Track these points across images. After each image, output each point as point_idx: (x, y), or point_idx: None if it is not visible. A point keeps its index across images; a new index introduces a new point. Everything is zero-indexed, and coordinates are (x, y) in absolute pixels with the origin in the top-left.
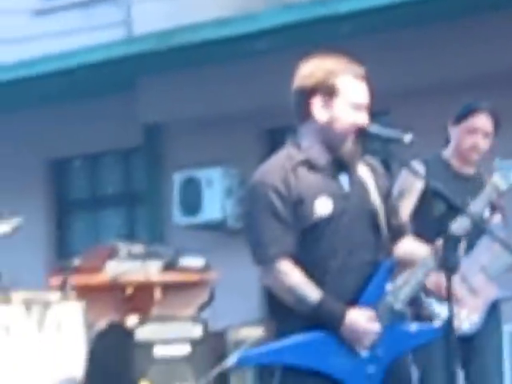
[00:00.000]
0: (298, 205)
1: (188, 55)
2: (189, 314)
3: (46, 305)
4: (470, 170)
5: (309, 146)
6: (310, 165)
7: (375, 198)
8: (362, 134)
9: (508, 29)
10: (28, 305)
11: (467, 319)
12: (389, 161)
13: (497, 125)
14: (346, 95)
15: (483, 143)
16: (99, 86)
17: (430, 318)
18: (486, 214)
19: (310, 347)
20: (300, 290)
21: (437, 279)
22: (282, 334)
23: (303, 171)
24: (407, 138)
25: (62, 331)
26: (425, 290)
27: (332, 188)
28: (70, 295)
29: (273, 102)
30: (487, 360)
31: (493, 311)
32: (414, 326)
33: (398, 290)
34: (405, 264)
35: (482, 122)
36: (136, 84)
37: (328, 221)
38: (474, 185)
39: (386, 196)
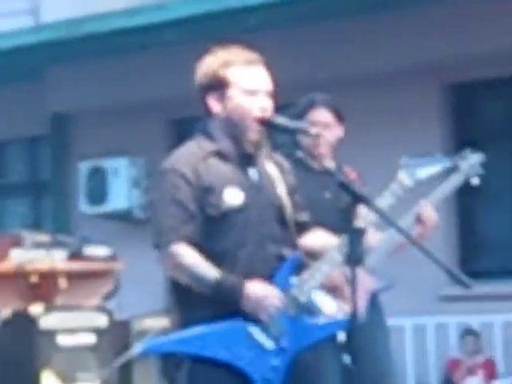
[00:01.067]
0: (208, 193)
1: (97, 44)
2: (94, 303)
3: None
4: (327, 164)
5: (219, 138)
6: (221, 156)
7: (282, 192)
8: (267, 124)
9: (408, 27)
10: None
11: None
12: (293, 152)
13: (338, 115)
14: (238, 84)
15: (325, 135)
16: (6, 73)
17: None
18: (409, 223)
19: (215, 337)
20: (198, 270)
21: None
22: (187, 324)
23: (214, 161)
24: (314, 129)
25: None
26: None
27: (242, 179)
28: None
29: (180, 92)
30: (377, 351)
31: (374, 303)
32: (320, 319)
33: (304, 283)
34: (313, 255)
35: (320, 114)
36: (44, 73)
37: (238, 211)
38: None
39: (292, 192)
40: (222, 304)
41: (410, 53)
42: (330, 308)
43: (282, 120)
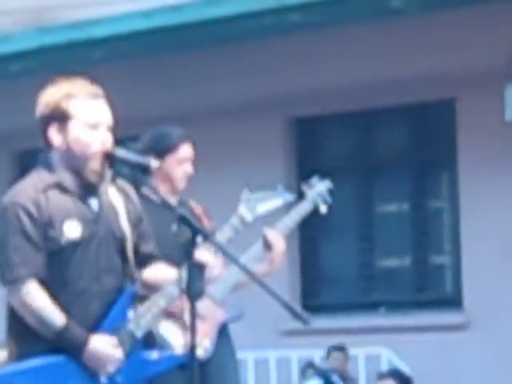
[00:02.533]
0: (48, 227)
1: None
2: None
3: None
4: (171, 198)
5: (59, 170)
6: (61, 188)
7: (124, 222)
8: (108, 157)
9: (254, 61)
10: None
11: (200, 345)
12: (138, 185)
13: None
14: (79, 117)
15: (191, 169)
16: None
17: (161, 347)
18: (260, 251)
19: (47, 371)
20: (44, 313)
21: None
22: (23, 357)
23: (54, 194)
24: (154, 163)
25: None
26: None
27: (82, 212)
28: None
29: (23, 124)
30: (228, 382)
31: (223, 334)
32: (154, 354)
33: (140, 317)
34: (154, 289)
35: (190, 149)
36: None
37: (76, 245)
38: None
39: (137, 221)
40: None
41: (256, 87)
42: (177, 340)
43: (123, 153)
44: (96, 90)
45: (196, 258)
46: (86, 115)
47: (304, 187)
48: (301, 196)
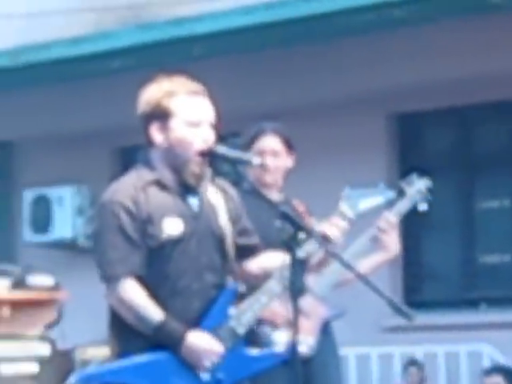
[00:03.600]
0: (147, 224)
1: (40, 73)
2: (37, 332)
3: None
4: (275, 194)
5: (159, 168)
6: (161, 185)
7: (224, 220)
8: (209, 155)
9: (353, 57)
10: None
11: (303, 342)
12: (239, 181)
13: (287, 144)
14: (180, 115)
15: (274, 163)
16: None
17: (266, 345)
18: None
19: (150, 368)
20: (142, 310)
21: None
22: (124, 354)
23: (153, 191)
24: (256, 159)
25: None
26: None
27: (181, 209)
28: None
29: (125, 120)
30: (330, 380)
31: (325, 331)
32: (256, 351)
33: (242, 314)
34: (260, 278)
35: (270, 142)
36: None
37: (176, 241)
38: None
39: (237, 218)
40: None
41: (357, 82)
42: (281, 337)
43: (223, 150)
44: (196, 86)
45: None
46: (187, 113)
47: (403, 184)
48: (400, 193)
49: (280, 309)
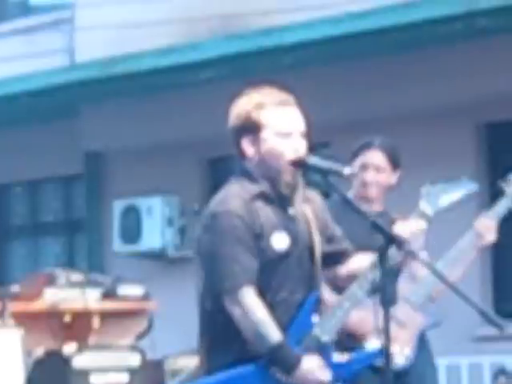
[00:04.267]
0: (258, 238)
1: (131, 83)
2: (127, 342)
3: None
4: (375, 208)
5: (259, 180)
6: (265, 198)
7: (314, 230)
8: (300, 165)
9: (443, 65)
10: None
11: (400, 353)
12: (329, 193)
13: (393, 161)
14: (270, 127)
15: (375, 178)
16: (41, 112)
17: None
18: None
19: (236, 381)
20: (262, 327)
21: (358, 318)
22: (213, 369)
23: (259, 204)
24: (347, 170)
25: (0, 358)
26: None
27: (286, 223)
28: (8, 322)
29: (214, 131)
30: None
31: (421, 341)
32: (344, 357)
33: (325, 321)
34: (350, 280)
35: (374, 157)
36: (78, 112)
37: (281, 256)
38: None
39: (324, 227)
40: (249, 349)
41: (445, 92)
42: (373, 345)
43: (315, 160)
44: (286, 97)
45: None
46: (278, 124)
47: (502, 184)
48: (499, 193)
49: (369, 317)
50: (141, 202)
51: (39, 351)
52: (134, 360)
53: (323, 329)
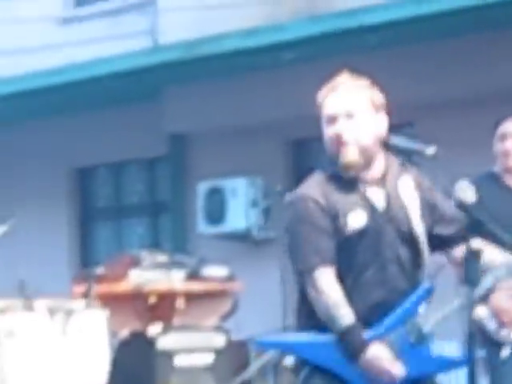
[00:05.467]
0: (335, 218)
1: (214, 65)
2: (211, 323)
3: (69, 313)
4: None
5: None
6: (339, 180)
7: (415, 211)
8: (383, 146)
9: None
10: (51, 312)
11: None
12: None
13: None
14: (323, 114)
15: None
16: (125, 94)
17: (500, 344)
18: None
19: (330, 349)
20: (333, 310)
21: (497, 304)
22: (303, 329)
23: (335, 186)
24: (430, 150)
25: (86, 339)
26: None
27: (365, 202)
28: (94, 303)
29: (298, 112)
30: None
31: None
32: (437, 352)
33: (431, 313)
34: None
35: (509, 126)
36: (161, 93)
37: (360, 234)
38: None
39: (431, 209)
40: None
41: None
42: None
43: (397, 140)
44: (337, 81)
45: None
46: (325, 109)
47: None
48: None
49: (508, 306)
50: (225, 183)
51: (124, 332)
52: (219, 341)
53: (427, 320)
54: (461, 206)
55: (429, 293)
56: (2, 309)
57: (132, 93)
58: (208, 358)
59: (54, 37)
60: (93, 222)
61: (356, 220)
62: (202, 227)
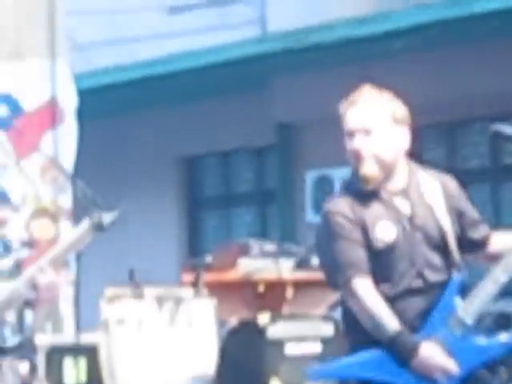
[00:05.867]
0: (365, 231)
1: (323, 54)
2: (320, 312)
3: (178, 301)
4: None
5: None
6: (364, 194)
7: (442, 216)
8: (494, 136)
9: None
10: (160, 301)
11: None
12: None
13: None
14: (344, 128)
15: None
16: (233, 84)
17: None
18: None
19: (382, 362)
20: (379, 316)
21: None
22: (355, 347)
23: (362, 199)
24: None
25: (194, 327)
26: None
27: (392, 214)
28: (202, 292)
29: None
30: None
31: None
32: (484, 340)
33: (469, 304)
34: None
35: None
36: (270, 82)
37: (392, 245)
38: None
39: (458, 213)
40: None
41: None
42: None
43: (509, 129)
44: (356, 97)
45: None
46: (345, 125)
47: None
48: None
49: None
50: (333, 172)
51: (233, 321)
52: (328, 330)
53: (467, 311)
54: None
55: (461, 284)
56: (113, 297)
57: (241, 82)
58: (317, 347)
59: (163, 26)
60: (201, 211)
61: (385, 232)
62: (311, 216)
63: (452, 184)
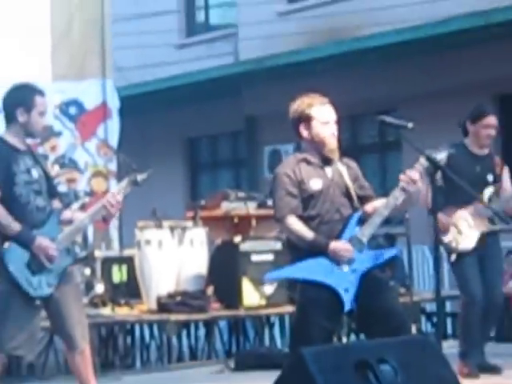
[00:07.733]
0: (301, 184)
1: (276, 73)
2: (273, 234)
3: (184, 229)
4: (484, 152)
5: (306, 151)
6: (307, 161)
7: (348, 180)
8: (380, 123)
9: None
10: (172, 229)
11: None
12: (401, 141)
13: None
14: (317, 119)
15: (492, 133)
16: (218, 93)
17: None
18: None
19: (313, 266)
20: (302, 233)
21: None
22: (296, 261)
23: (303, 165)
24: (410, 125)
25: (194, 246)
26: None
27: (321, 174)
28: (199, 223)
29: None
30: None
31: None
32: (374, 252)
33: (365, 229)
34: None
35: (492, 119)
36: (241, 91)
37: (319, 192)
38: (486, 161)
39: (355, 179)
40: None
41: None
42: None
43: (389, 119)
44: (325, 100)
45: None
46: (322, 117)
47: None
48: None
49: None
50: (281, 147)
51: (218, 241)
52: (278, 245)
53: (363, 233)
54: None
55: (360, 218)
56: (143, 226)
57: (222, 91)
58: (271, 257)
59: (172, 57)
60: (198, 173)
61: (315, 184)
62: (267, 174)
63: (353, 164)
